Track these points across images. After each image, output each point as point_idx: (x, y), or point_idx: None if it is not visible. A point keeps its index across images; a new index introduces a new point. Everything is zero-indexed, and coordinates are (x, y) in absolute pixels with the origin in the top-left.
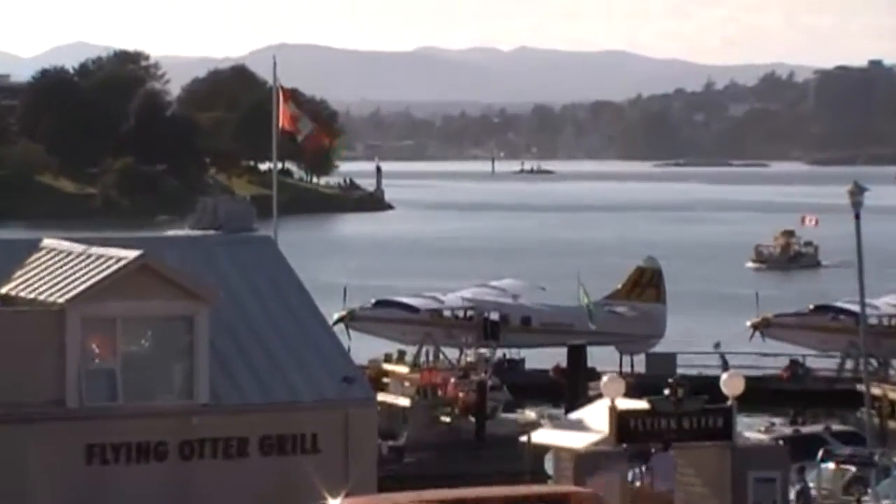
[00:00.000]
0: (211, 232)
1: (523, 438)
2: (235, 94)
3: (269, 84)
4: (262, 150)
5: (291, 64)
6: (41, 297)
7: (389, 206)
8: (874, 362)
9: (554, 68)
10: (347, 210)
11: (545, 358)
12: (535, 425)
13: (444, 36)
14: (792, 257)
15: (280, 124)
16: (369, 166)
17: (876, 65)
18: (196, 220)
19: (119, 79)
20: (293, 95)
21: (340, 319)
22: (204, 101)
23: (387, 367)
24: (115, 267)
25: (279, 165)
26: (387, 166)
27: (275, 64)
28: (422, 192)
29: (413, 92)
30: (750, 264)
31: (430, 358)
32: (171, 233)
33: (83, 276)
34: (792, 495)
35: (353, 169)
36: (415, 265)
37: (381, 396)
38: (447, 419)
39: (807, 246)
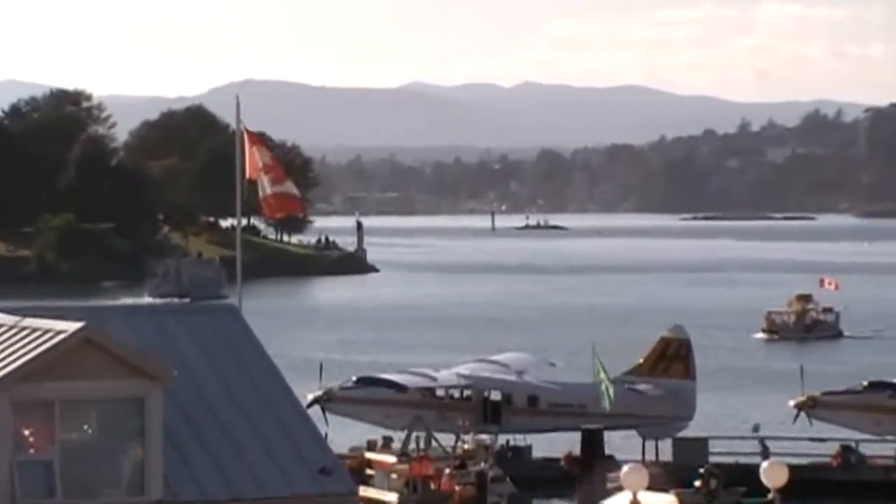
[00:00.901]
0: (173, 300)
1: None
2: (192, 139)
3: (232, 127)
4: (223, 204)
5: (258, 103)
6: None
7: (372, 269)
8: None
9: (563, 107)
10: (324, 273)
11: (555, 444)
12: None
13: (436, 70)
14: (808, 326)
15: (245, 174)
16: (349, 222)
17: None
18: (156, 287)
19: (56, 122)
20: (261, 140)
21: (316, 401)
22: (155, 148)
23: (371, 456)
24: (52, 342)
25: (244, 222)
26: (369, 222)
27: (238, 103)
28: (410, 251)
29: (399, 135)
30: (760, 334)
31: (421, 445)
32: (121, 301)
33: (15, 352)
34: None
35: (331, 225)
36: (402, 337)
37: (363, 490)
38: None
39: (826, 313)
